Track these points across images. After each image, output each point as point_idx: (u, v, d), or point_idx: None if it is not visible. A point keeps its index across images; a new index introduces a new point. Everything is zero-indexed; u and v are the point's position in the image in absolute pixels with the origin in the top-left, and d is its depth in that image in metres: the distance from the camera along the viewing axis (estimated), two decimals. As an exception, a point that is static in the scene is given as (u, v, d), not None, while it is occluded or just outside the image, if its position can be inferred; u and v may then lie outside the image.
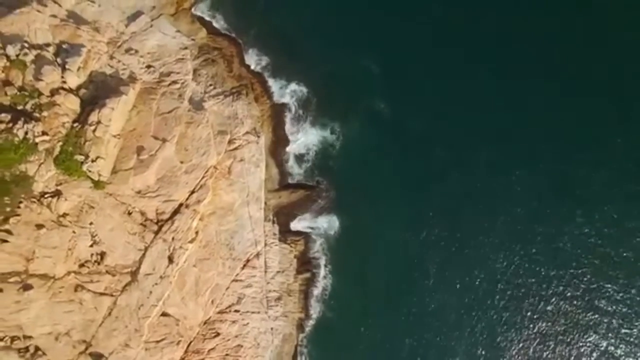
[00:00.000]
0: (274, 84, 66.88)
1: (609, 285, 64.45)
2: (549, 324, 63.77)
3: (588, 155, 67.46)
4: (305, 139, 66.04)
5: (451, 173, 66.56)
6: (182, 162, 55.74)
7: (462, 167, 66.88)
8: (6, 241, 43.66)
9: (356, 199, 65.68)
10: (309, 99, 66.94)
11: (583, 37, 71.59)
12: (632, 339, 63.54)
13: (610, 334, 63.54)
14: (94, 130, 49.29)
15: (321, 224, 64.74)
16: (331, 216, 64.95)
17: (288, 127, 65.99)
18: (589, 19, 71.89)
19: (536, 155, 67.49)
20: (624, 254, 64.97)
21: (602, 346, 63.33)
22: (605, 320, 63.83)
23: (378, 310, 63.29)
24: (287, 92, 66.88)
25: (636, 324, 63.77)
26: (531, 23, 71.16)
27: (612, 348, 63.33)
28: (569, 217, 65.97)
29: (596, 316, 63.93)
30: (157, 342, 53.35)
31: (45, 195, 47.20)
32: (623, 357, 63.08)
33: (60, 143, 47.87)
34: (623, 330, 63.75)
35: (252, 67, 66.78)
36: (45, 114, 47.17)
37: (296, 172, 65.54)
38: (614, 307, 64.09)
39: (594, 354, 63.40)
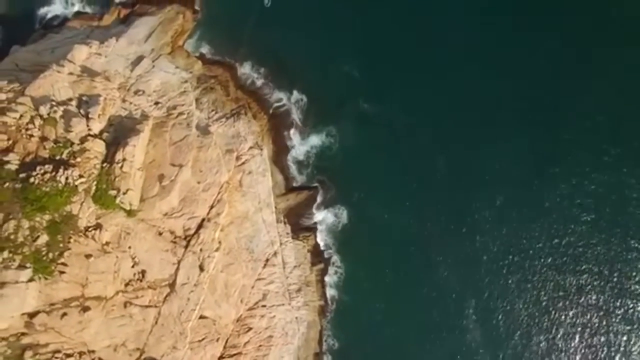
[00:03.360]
0: (268, 100, 71.82)
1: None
2: (550, 292, 68.95)
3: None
4: (303, 144, 71.22)
5: (439, 157, 71.79)
6: (199, 183, 60.14)
7: (448, 150, 72.12)
8: (64, 272, 48.08)
9: (356, 191, 70.95)
10: (302, 108, 71.93)
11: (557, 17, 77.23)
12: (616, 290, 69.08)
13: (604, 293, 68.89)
14: (121, 167, 53.62)
15: (327, 218, 70.07)
16: (335, 210, 70.21)
17: (286, 137, 71.10)
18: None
19: (518, 133, 72.64)
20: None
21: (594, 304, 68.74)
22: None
23: (388, 288, 68.33)
24: (281, 105, 71.88)
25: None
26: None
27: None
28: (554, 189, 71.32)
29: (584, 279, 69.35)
30: (200, 341, 58.33)
31: (89, 229, 51.41)
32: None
33: (95, 182, 52.15)
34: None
35: (247, 87, 71.70)
36: (79, 159, 51.47)
37: (299, 175, 70.76)
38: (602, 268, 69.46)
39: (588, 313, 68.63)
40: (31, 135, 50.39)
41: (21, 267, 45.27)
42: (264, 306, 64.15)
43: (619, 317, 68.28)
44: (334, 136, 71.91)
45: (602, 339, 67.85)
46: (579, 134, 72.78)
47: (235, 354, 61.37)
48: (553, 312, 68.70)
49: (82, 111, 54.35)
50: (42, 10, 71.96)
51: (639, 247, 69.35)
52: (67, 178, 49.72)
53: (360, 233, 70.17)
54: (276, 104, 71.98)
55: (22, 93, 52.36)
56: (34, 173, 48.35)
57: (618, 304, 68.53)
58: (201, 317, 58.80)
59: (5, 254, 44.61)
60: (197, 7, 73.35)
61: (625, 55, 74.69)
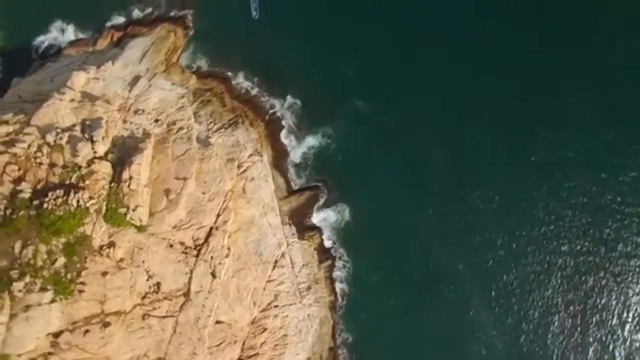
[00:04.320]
0: (263, 107, 73.75)
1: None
2: (554, 276, 70.94)
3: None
4: (301, 147, 73.16)
5: (435, 149, 73.76)
6: (204, 193, 61.66)
7: (444, 142, 74.24)
8: (83, 291, 49.86)
9: (356, 188, 72.78)
10: (297, 112, 73.91)
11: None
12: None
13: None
14: (128, 185, 55.14)
15: (330, 216, 71.82)
16: (337, 207, 72.02)
17: (284, 141, 73.02)
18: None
19: (513, 123, 75.21)
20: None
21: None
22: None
23: (396, 278, 70.01)
24: (276, 111, 73.85)
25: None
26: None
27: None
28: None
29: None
30: (218, 345, 60.08)
31: (103, 247, 52.96)
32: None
33: (105, 202, 53.75)
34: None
35: (242, 97, 73.58)
36: (87, 182, 53.07)
37: (299, 177, 72.58)
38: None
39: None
40: (40, 163, 52.22)
41: (42, 289, 47.18)
42: (276, 306, 65.69)
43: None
44: (330, 136, 73.73)
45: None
46: (570, 126, 75.38)
47: (252, 355, 63.13)
48: (559, 296, 70.82)
49: (86, 135, 55.96)
50: (38, 41, 73.97)
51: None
52: (78, 201, 51.29)
53: (364, 227, 71.72)
54: (271, 110, 73.87)
55: (28, 123, 54.15)
56: (47, 199, 50.09)
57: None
58: (217, 322, 60.32)
59: (27, 278, 46.64)
60: (187, 24, 75.54)
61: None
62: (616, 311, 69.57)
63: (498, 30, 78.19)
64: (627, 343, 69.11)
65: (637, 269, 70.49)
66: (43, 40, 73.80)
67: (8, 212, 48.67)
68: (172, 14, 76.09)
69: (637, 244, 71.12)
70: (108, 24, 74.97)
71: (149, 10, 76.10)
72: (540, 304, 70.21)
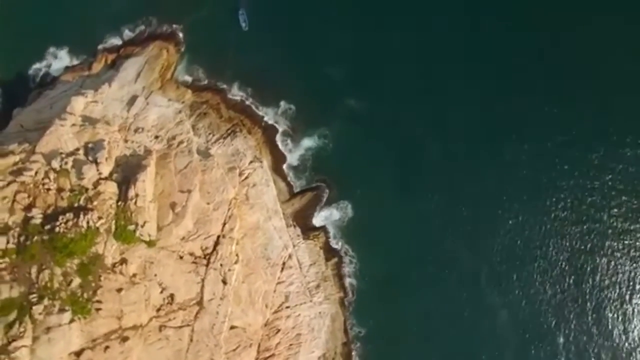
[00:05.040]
0: (259, 114, 75.36)
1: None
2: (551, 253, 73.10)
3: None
4: (299, 150, 74.81)
5: (428, 141, 75.59)
6: (208, 203, 62.87)
7: (437, 133, 76.12)
8: (100, 309, 51.04)
9: (356, 184, 74.56)
10: (292, 116, 75.66)
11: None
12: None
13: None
14: (135, 202, 55.85)
15: (333, 214, 73.57)
16: (340, 205, 73.79)
17: (282, 146, 74.67)
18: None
19: (506, 110, 77.20)
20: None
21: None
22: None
23: (400, 269, 71.76)
24: (272, 117, 75.52)
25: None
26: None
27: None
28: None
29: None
30: (234, 350, 61.66)
31: (116, 265, 54.10)
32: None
33: (114, 221, 54.88)
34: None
35: (237, 106, 75.12)
36: (95, 203, 54.16)
37: (300, 179, 74.18)
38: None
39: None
40: (48, 189, 53.46)
41: (61, 310, 48.59)
42: (287, 307, 67.36)
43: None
44: (326, 136, 75.47)
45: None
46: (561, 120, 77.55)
47: (269, 357, 64.76)
48: (557, 270, 72.97)
49: (90, 158, 57.09)
50: (34, 69, 75.41)
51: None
52: (88, 222, 52.52)
53: (367, 222, 73.36)
54: (267, 117, 75.46)
55: (33, 152, 55.43)
56: (58, 223, 51.37)
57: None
58: (232, 327, 61.75)
59: (46, 301, 48.12)
60: (179, 40, 77.07)
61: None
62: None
63: (485, 26, 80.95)
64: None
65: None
66: (39, 68, 75.17)
67: (22, 239, 50.03)
68: (163, 29, 77.50)
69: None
70: (100, 46, 76.31)
71: (140, 28, 77.45)
72: (551, 279, 72.63)
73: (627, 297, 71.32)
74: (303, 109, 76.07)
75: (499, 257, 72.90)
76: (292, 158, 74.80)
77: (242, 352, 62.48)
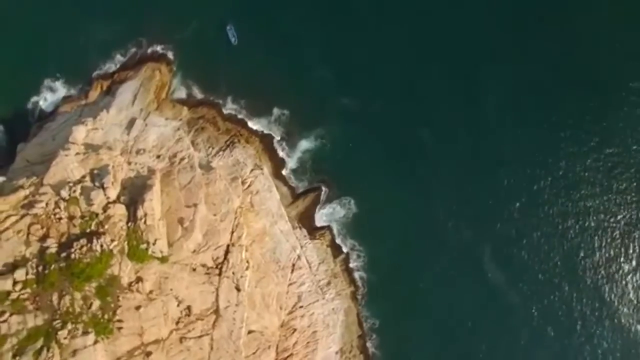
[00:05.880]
0: (255, 123, 76.86)
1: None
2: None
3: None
4: (297, 153, 76.39)
5: (424, 133, 77.43)
6: (215, 215, 64.43)
7: (432, 125, 77.90)
8: (121, 327, 52.99)
9: (357, 180, 76.25)
10: (288, 121, 77.13)
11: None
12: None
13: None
14: (145, 222, 57.13)
15: (337, 212, 75.30)
16: (342, 202, 75.57)
17: (280, 151, 76.21)
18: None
19: (500, 97, 79.37)
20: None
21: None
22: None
23: (407, 259, 73.65)
24: (268, 124, 77.01)
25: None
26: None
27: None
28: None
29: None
30: (254, 353, 63.62)
31: (132, 284, 55.82)
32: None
33: (126, 242, 56.63)
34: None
35: (233, 117, 76.57)
36: (106, 226, 55.86)
37: (301, 181, 75.81)
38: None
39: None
40: (60, 218, 55.25)
41: (85, 333, 50.53)
42: (301, 307, 69.29)
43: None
44: (323, 136, 77.05)
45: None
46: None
47: (288, 356, 66.69)
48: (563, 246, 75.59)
49: (96, 184, 58.68)
50: (31, 103, 76.33)
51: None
52: (101, 246, 54.31)
53: (371, 215, 75.11)
54: (263, 124, 77.03)
55: (41, 184, 57.12)
56: (73, 250, 53.20)
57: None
58: (249, 332, 63.66)
59: (69, 325, 50.10)
60: (170, 59, 78.30)
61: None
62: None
63: (473, 23, 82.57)
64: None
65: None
66: (36, 101, 76.08)
67: (40, 269, 51.89)
68: (154, 50, 78.58)
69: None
70: (94, 74, 77.25)
71: (132, 51, 78.47)
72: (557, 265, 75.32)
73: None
74: (297, 113, 77.33)
75: (502, 240, 74.77)
76: (292, 161, 76.27)
77: (261, 354, 64.31)
